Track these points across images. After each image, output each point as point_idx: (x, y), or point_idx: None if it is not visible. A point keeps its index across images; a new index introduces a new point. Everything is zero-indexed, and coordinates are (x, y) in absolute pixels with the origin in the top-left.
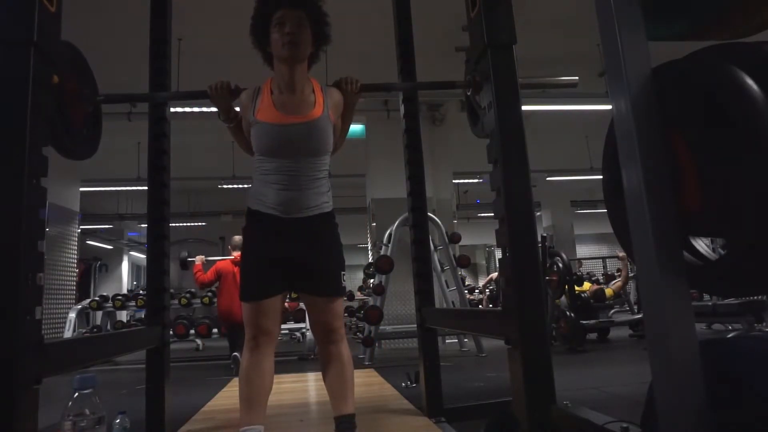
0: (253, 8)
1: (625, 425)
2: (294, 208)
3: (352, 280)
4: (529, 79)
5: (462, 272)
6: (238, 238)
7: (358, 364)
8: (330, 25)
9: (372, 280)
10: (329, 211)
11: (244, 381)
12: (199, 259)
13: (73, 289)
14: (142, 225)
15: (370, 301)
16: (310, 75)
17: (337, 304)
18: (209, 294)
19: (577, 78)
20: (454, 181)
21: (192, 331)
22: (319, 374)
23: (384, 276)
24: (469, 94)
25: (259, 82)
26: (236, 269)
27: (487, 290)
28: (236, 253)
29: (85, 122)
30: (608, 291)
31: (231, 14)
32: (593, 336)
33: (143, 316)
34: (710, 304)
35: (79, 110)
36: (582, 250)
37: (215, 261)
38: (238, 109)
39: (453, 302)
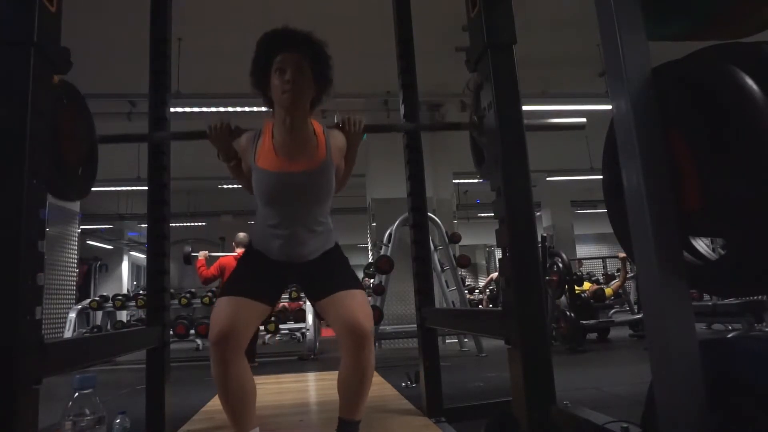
0: (254, 50)
1: (625, 425)
2: (297, 257)
3: None
4: (535, 121)
5: (462, 272)
6: (242, 234)
7: None
8: (332, 68)
9: (372, 280)
10: (332, 247)
11: (221, 392)
12: (202, 254)
13: (73, 289)
14: (142, 225)
15: (370, 301)
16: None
17: (359, 298)
18: (209, 294)
19: (584, 120)
20: (454, 181)
21: (192, 331)
22: (319, 374)
23: (384, 276)
24: (474, 134)
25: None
26: None
27: (487, 291)
28: (240, 250)
29: (80, 162)
30: (608, 290)
31: (231, 14)
32: (593, 336)
33: (143, 316)
34: (710, 304)
35: (74, 151)
36: (582, 250)
37: (218, 257)
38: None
39: (453, 302)
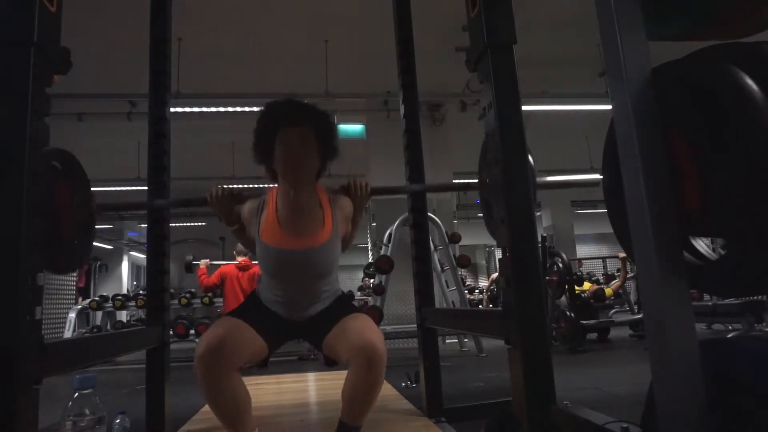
0: (257, 122)
1: (625, 425)
2: (304, 317)
3: (352, 280)
4: (549, 177)
5: (462, 272)
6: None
7: None
8: (338, 138)
9: (372, 280)
10: (339, 295)
11: (213, 407)
12: (203, 263)
13: (73, 289)
14: (142, 225)
15: (370, 301)
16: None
17: (366, 319)
18: (209, 294)
19: (599, 176)
20: (454, 181)
21: (192, 331)
22: (320, 374)
23: (384, 276)
24: (485, 195)
25: (259, 83)
26: (240, 273)
27: (487, 291)
28: (240, 258)
29: (75, 234)
30: (608, 291)
31: (231, 14)
32: (593, 336)
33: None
34: (710, 304)
35: (70, 222)
36: (582, 250)
37: (219, 265)
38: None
39: (453, 302)
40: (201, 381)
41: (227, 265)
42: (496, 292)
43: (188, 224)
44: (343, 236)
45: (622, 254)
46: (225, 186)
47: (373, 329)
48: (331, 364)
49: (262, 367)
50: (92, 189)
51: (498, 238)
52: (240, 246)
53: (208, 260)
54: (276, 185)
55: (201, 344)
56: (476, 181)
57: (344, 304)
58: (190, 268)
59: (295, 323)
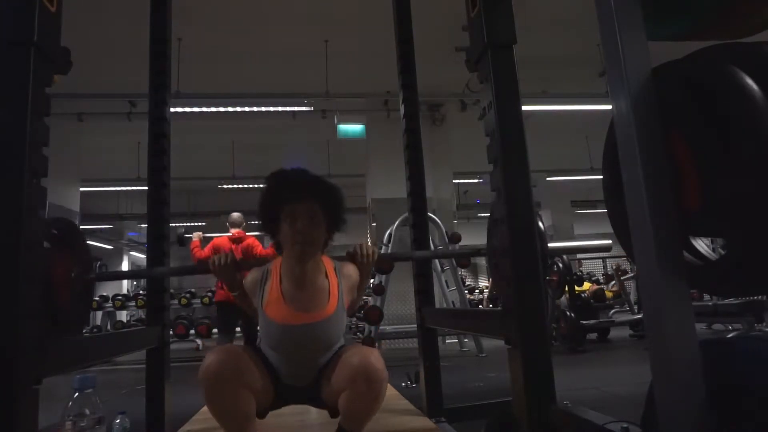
0: (261, 194)
1: (625, 425)
2: (303, 383)
3: None
4: (563, 244)
5: (462, 272)
6: (236, 214)
7: None
8: (345, 210)
9: (372, 280)
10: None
11: (217, 418)
12: (196, 236)
13: None
14: (142, 225)
15: (370, 301)
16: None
17: (363, 346)
18: (209, 294)
19: (610, 242)
20: (454, 181)
21: (192, 331)
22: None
23: (384, 276)
24: (494, 260)
25: (259, 83)
26: (233, 246)
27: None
28: (234, 230)
29: (72, 304)
30: (607, 293)
31: (231, 14)
32: (593, 336)
33: (143, 316)
34: (710, 304)
35: (68, 292)
36: None
37: (212, 238)
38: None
39: (453, 302)
40: (204, 391)
41: (220, 238)
42: (495, 292)
43: (188, 224)
44: (350, 305)
45: (617, 266)
46: (228, 254)
47: (368, 350)
48: (335, 415)
49: (260, 417)
50: (91, 189)
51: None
52: (233, 217)
53: (200, 233)
54: (280, 258)
55: (207, 359)
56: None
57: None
58: (182, 241)
59: (296, 388)
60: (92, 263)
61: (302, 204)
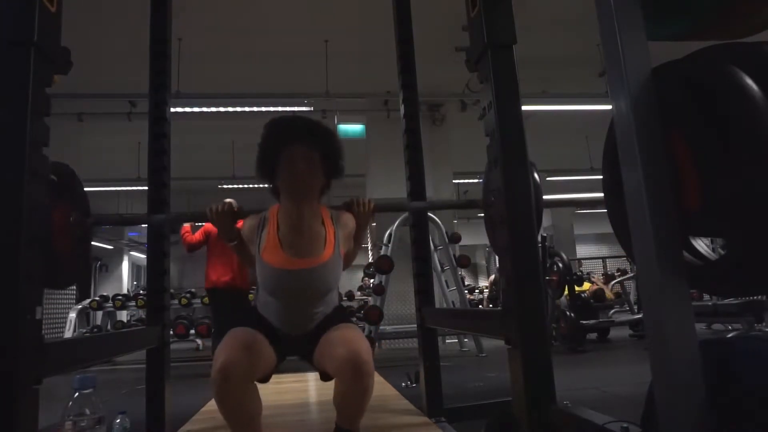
0: (260, 138)
1: (625, 425)
2: (301, 331)
3: (352, 280)
4: (555, 197)
5: (462, 272)
6: (229, 200)
7: None
8: (343, 156)
9: (372, 280)
10: (336, 305)
11: (222, 415)
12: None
13: (73, 290)
14: (142, 225)
15: (370, 301)
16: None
17: (355, 331)
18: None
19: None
20: (454, 181)
21: (192, 331)
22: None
23: (384, 276)
24: (489, 211)
25: (259, 83)
26: None
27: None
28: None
29: (72, 249)
30: (608, 294)
31: (231, 14)
32: (593, 336)
33: (143, 316)
34: (710, 304)
35: (68, 238)
36: (582, 250)
37: (203, 224)
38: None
39: (453, 302)
40: (216, 391)
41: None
42: (495, 292)
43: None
44: (345, 254)
45: (596, 279)
46: (225, 203)
47: (357, 339)
48: (326, 379)
49: (262, 382)
50: (91, 189)
51: (495, 209)
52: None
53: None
54: (278, 204)
55: (220, 358)
56: (479, 199)
57: (335, 317)
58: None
59: (292, 337)
60: (89, 209)
61: (300, 148)
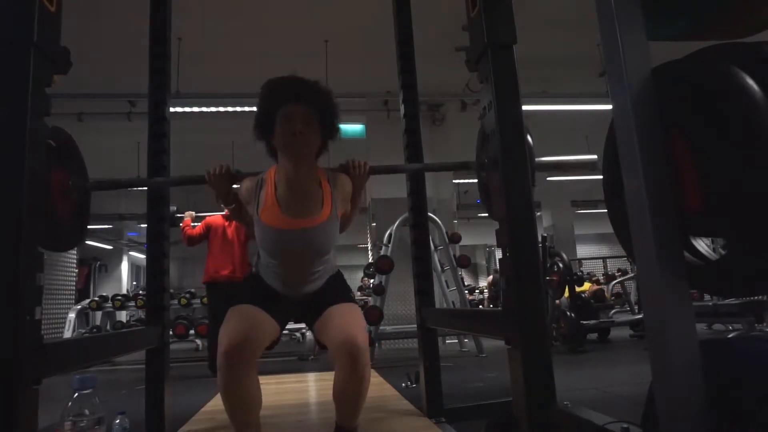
0: (258, 100)
1: (625, 425)
2: (300, 293)
3: (352, 280)
4: (545, 159)
5: (461, 272)
6: (226, 164)
7: None
8: (339, 116)
9: (372, 280)
10: (335, 273)
11: (225, 403)
12: (188, 215)
13: (73, 289)
14: (142, 225)
15: (370, 301)
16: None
17: (352, 311)
18: (204, 296)
19: (595, 157)
20: (454, 181)
21: (192, 331)
22: (319, 374)
23: (384, 276)
24: (483, 174)
25: (259, 83)
26: (227, 224)
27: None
28: (227, 208)
29: (71, 213)
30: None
31: (231, 14)
32: (593, 336)
33: (143, 316)
34: (710, 304)
35: (66, 202)
36: (582, 250)
37: (204, 218)
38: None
39: (453, 302)
40: (222, 376)
41: (213, 216)
42: (495, 292)
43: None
44: (342, 216)
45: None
46: (223, 165)
47: (356, 324)
48: (323, 347)
49: (268, 349)
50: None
51: (498, 236)
52: None
53: (193, 212)
54: (275, 165)
55: (224, 340)
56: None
57: (336, 286)
58: (173, 220)
59: (291, 300)
60: (87, 173)
61: (297, 106)
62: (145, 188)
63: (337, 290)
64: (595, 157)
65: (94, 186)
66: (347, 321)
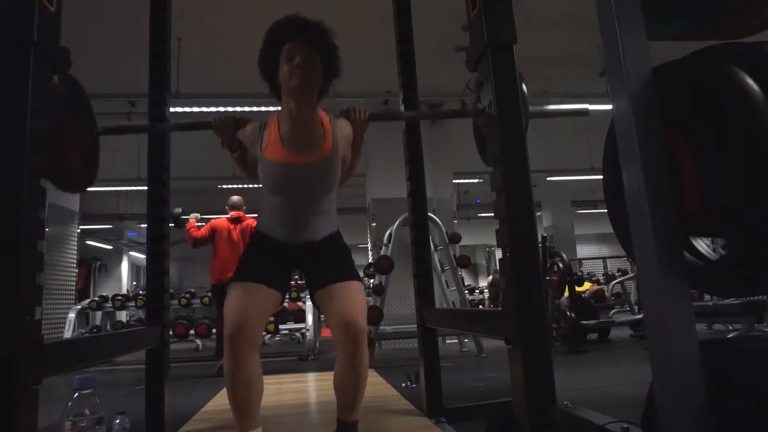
0: (263, 40)
1: (625, 425)
2: (301, 239)
3: None
4: (539, 108)
5: (461, 272)
6: (236, 198)
7: None
8: (340, 59)
9: (372, 280)
10: (335, 232)
11: (230, 390)
12: (193, 217)
13: (73, 289)
14: (142, 225)
15: (370, 301)
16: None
17: (355, 291)
18: (209, 294)
19: (587, 107)
20: (454, 181)
21: (192, 331)
22: (319, 374)
23: (384, 276)
24: (477, 121)
25: (259, 83)
26: (232, 227)
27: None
28: (233, 213)
29: (82, 156)
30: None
31: (231, 14)
32: (593, 336)
33: (143, 316)
34: (710, 304)
35: (77, 146)
36: (582, 250)
37: (210, 220)
38: (242, 137)
39: (453, 302)
40: (227, 359)
41: (218, 219)
42: (495, 292)
43: None
44: (343, 161)
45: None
46: (228, 112)
47: (359, 305)
48: (321, 313)
49: (274, 316)
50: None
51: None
52: (233, 200)
53: (197, 214)
54: (277, 113)
55: (228, 323)
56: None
57: (338, 249)
58: (178, 222)
59: (293, 249)
60: (95, 119)
61: (301, 43)
62: (145, 188)
63: (339, 256)
64: (587, 106)
65: (103, 131)
66: (350, 300)
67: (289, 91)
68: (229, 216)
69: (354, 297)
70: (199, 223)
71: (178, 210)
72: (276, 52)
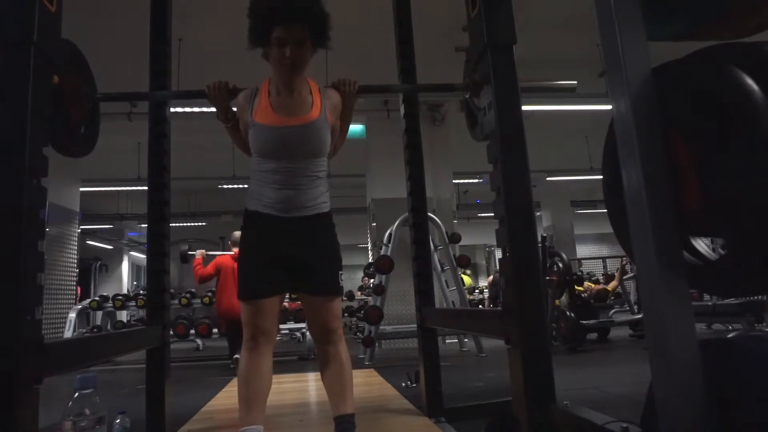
0: (249, 12)
1: (625, 425)
2: (292, 207)
3: (352, 280)
4: (527, 83)
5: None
6: (238, 233)
7: (358, 364)
8: (331, 27)
9: (372, 280)
10: (327, 212)
11: (242, 381)
12: (199, 253)
13: (73, 289)
14: (142, 225)
15: (370, 301)
16: (309, 76)
17: (335, 304)
18: (209, 294)
19: (575, 83)
20: (454, 181)
21: (192, 331)
22: (319, 374)
23: (384, 276)
24: (467, 96)
25: (259, 82)
26: (236, 265)
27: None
28: (236, 249)
29: (83, 120)
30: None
31: (231, 14)
32: (593, 336)
33: (143, 316)
34: (710, 304)
35: (77, 109)
36: (582, 250)
37: (215, 256)
38: (235, 109)
39: (453, 302)
40: (244, 356)
41: (223, 256)
42: (495, 292)
43: (188, 224)
44: (332, 128)
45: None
46: (222, 81)
47: (334, 314)
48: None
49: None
50: (91, 189)
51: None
52: (235, 236)
53: (204, 251)
54: (268, 78)
55: (247, 333)
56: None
57: (330, 252)
58: (185, 258)
59: (286, 226)
60: (95, 85)
61: (292, 27)
62: (145, 188)
63: (330, 260)
64: (575, 83)
65: (103, 97)
66: (328, 311)
67: (281, 74)
68: (232, 254)
69: (335, 309)
70: (209, 253)
71: (185, 247)
72: (265, 29)
